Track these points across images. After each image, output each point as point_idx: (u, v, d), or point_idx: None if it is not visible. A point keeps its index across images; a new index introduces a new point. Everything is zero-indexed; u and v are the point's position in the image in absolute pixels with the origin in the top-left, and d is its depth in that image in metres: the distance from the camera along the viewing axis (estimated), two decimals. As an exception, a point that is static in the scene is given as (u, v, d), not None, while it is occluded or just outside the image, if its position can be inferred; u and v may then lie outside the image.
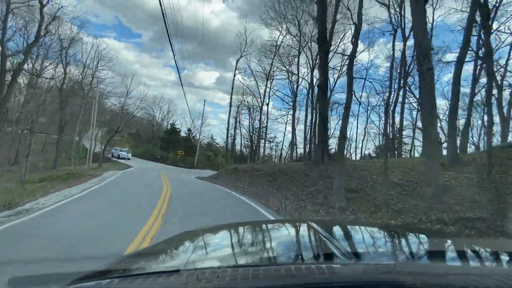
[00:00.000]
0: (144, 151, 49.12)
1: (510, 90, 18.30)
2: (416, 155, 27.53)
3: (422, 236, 1.44)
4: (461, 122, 17.69)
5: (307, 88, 31.92)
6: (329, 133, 24.39)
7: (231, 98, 26.63)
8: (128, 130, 64.28)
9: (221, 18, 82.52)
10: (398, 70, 24.97)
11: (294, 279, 0.67)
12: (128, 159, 36.56)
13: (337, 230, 1.49)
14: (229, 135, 31.55)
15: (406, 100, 25.76)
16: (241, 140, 37.57)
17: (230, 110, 21.95)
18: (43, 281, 0.87)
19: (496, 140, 16.35)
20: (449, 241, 1.39)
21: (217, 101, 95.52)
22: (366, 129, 37.08)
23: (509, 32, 18.65)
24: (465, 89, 18.77)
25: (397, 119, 26.28)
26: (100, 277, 0.80)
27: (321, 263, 0.85)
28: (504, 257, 1.01)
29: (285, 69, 35.11)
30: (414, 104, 26.71)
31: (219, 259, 1.04)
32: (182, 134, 48.07)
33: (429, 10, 21.07)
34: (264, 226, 1.78)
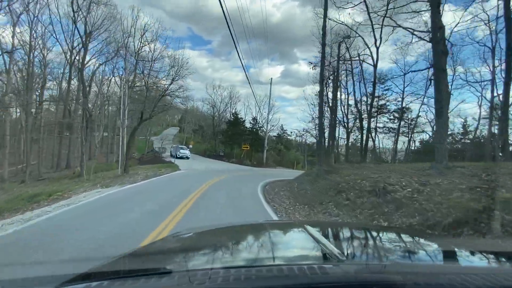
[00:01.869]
0: (208, 148, 43.89)
1: None
2: None
3: (412, 237, 1.47)
4: None
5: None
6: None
7: (322, 52, 15.75)
8: (190, 125, 61.22)
9: (282, 10, 79.11)
10: None
11: (286, 279, 0.68)
12: (187, 157, 30.64)
13: (329, 231, 1.49)
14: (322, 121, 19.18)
15: None
16: (338, 130, 25.49)
17: (322, 76, 12.94)
18: (32, 283, 0.88)
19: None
20: (438, 242, 1.41)
21: (283, 94, 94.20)
22: None
23: None
24: None
25: None
26: (89, 279, 0.79)
27: (313, 263, 0.83)
28: (491, 256, 1.05)
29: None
30: None
31: (211, 260, 1.03)
32: (247, 125, 40.34)
33: None
34: (256, 227, 1.79)
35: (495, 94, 18.93)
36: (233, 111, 39.69)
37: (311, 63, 24.88)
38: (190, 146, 47.22)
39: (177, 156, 29.66)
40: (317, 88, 21.77)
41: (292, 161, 46.62)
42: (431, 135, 25.48)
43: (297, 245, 1.26)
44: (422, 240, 1.36)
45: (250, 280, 0.68)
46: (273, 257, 1.08)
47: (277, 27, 71.73)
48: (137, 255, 1.22)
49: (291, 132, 53.08)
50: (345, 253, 0.93)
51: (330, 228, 1.65)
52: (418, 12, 14.97)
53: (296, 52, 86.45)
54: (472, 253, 1.10)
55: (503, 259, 1.04)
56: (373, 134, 24.16)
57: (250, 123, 38.64)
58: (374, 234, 1.49)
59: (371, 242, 1.33)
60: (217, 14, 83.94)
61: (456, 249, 1.19)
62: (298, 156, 47.46)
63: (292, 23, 71.30)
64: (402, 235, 1.48)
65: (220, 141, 40.14)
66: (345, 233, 1.51)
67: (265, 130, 37.98)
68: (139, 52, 21.02)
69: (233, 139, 37.30)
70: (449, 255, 1.09)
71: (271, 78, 56.12)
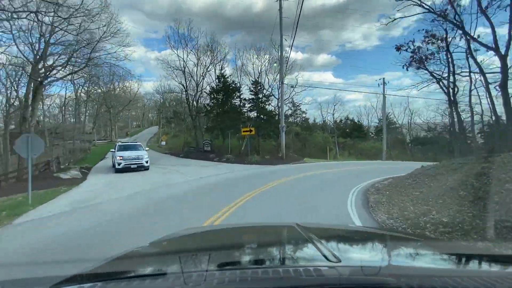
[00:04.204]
0: (188, 141, 27.86)
1: None
2: None
3: (406, 240, 1.48)
4: None
5: None
6: None
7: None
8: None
9: None
10: None
11: (281, 281, 0.68)
12: (143, 167, 13.94)
13: (324, 233, 1.49)
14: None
15: None
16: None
17: None
18: (27, 284, 0.88)
19: None
20: (432, 245, 1.41)
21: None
22: None
23: None
24: None
25: None
26: (83, 280, 0.78)
27: (308, 265, 0.82)
28: (484, 260, 1.04)
29: None
30: None
31: (206, 262, 0.98)
32: (245, 95, 24.11)
33: None
34: (252, 229, 1.81)
35: None
36: (220, 72, 23.14)
37: None
38: (163, 142, 30.17)
39: (117, 166, 13.38)
40: None
41: (319, 148, 31.22)
42: None
43: (293, 247, 1.24)
44: (416, 243, 1.35)
45: (245, 282, 0.68)
46: (268, 259, 1.07)
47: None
48: (132, 256, 1.20)
49: (306, 110, 37.51)
50: (340, 255, 0.89)
51: (325, 230, 1.64)
52: None
53: None
54: (466, 256, 1.09)
55: (497, 262, 1.00)
56: None
57: (251, 90, 22.44)
58: (370, 237, 1.49)
59: (366, 244, 1.31)
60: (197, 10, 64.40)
61: (450, 252, 1.17)
62: (328, 139, 31.72)
63: None
64: (397, 238, 1.51)
65: (204, 129, 23.93)
66: (341, 235, 1.51)
67: (278, 97, 21.97)
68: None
69: (224, 121, 21.17)
70: (443, 258, 1.08)
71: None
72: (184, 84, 24.31)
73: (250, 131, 19.50)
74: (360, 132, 35.68)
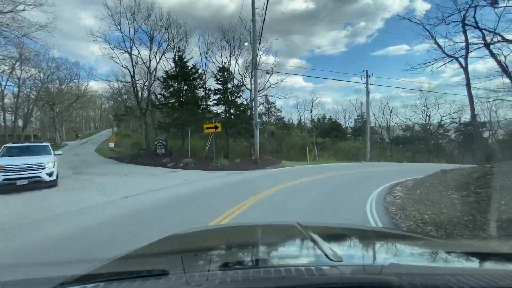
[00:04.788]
0: (139, 142, 22.67)
1: None
2: None
3: (408, 238, 1.49)
4: None
5: None
6: None
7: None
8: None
9: None
10: None
11: (284, 280, 0.68)
12: (41, 181, 8.65)
13: (325, 232, 1.48)
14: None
15: None
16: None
17: None
18: (30, 285, 0.88)
19: None
20: (434, 243, 1.39)
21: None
22: None
23: None
24: None
25: None
26: (85, 280, 0.78)
27: (310, 264, 0.82)
28: (486, 258, 1.03)
29: None
30: None
31: (208, 261, 0.99)
32: (210, 82, 19.76)
33: None
34: (254, 228, 1.79)
35: None
36: (177, 54, 18.31)
37: None
38: (112, 144, 24.61)
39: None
40: None
41: (298, 149, 27.91)
42: None
43: (295, 246, 1.24)
44: (418, 242, 1.36)
45: (247, 282, 0.68)
46: (270, 258, 1.07)
47: None
48: (134, 256, 1.19)
49: (281, 107, 34.46)
50: (342, 255, 0.89)
51: (327, 229, 1.64)
52: None
53: None
54: (468, 254, 1.08)
55: (499, 260, 1.00)
56: None
57: (218, 79, 18.20)
58: (371, 235, 1.48)
59: (368, 243, 1.30)
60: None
61: (452, 251, 1.17)
62: (306, 139, 28.58)
63: None
64: (399, 237, 1.50)
65: (158, 126, 19.06)
66: (343, 234, 1.50)
67: (251, 89, 18.16)
68: None
69: (183, 116, 16.61)
70: (445, 257, 1.07)
71: None
72: (131, 70, 19.29)
73: (215, 127, 15.31)
74: (339, 132, 33.28)
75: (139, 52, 19.73)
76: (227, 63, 19.74)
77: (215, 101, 18.60)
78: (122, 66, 19.92)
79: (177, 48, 18.83)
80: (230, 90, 18.36)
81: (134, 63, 19.09)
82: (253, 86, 16.92)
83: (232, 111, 18.08)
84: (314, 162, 22.08)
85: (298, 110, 34.20)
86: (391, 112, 35.36)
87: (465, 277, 0.68)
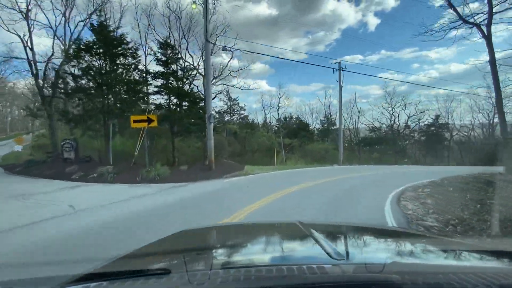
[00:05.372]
0: (52, 142, 16.73)
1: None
2: None
3: (410, 237, 1.48)
4: None
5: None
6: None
7: None
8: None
9: None
10: None
11: (285, 279, 0.68)
12: None
13: (327, 231, 1.47)
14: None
15: None
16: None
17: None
18: (32, 284, 0.89)
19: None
20: (436, 241, 1.39)
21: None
22: None
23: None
24: None
25: None
26: (88, 280, 0.78)
27: (312, 263, 0.80)
28: (489, 256, 1.03)
29: None
30: None
31: (210, 260, 1.00)
32: (147, 59, 14.83)
33: None
34: (256, 227, 1.79)
35: None
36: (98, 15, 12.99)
37: None
38: (18, 147, 18.27)
39: None
40: None
41: (263, 150, 24.26)
42: None
43: (296, 245, 1.24)
44: (420, 240, 1.36)
45: (249, 281, 0.68)
46: (272, 257, 1.06)
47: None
48: (136, 255, 1.19)
49: (244, 105, 31.01)
50: (344, 253, 0.91)
51: (328, 228, 1.64)
52: None
53: None
54: (471, 253, 1.08)
55: (502, 258, 1.00)
56: None
57: (159, 60, 13.48)
58: (373, 234, 1.46)
59: (370, 242, 1.30)
60: None
61: (454, 249, 1.17)
62: (272, 139, 25.13)
63: None
64: (401, 235, 1.50)
65: (62, 115, 13.40)
66: (344, 233, 1.50)
67: (202, 74, 13.93)
68: None
69: (105, 105, 11.55)
70: (448, 255, 1.07)
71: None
72: (25, 39, 13.47)
73: (149, 121, 10.69)
74: (307, 132, 30.64)
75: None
76: (174, 42, 15.21)
77: (156, 89, 13.88)
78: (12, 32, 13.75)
79: (97, 8, 13.59)
80: (177, 74, 13.85)
81: (30, 27, 13.31)
82: (204, 65, 12.67)
83: (178, 101, 13.58)
84: (282, 167, 18.63)
85: (264, 108, 30.65)
86: (359, 113, 34.01)
87: (468, 275, 0.68)
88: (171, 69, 13.93)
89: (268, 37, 49.33)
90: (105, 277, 0.80)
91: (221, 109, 31.49)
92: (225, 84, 20.26)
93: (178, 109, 13.70)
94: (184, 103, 13.63)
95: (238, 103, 30.95)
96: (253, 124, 28.54)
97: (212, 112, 12.01)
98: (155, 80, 13.95)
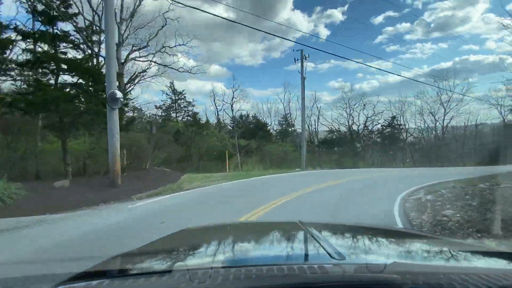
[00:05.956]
0: None
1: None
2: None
3: (411, 237, 1.47)
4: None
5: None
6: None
7: None
8: None
9: None
10: None
11: (286, 279, 0.68)
12: None
13: (328, 230, 1.47)
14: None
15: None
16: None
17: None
18: (33, 282, 0.88)
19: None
20: (437, 242, 1.38)
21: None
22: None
23: None
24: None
25: None
26: (89, 277, 0.77)
27: (313, 263, 0.82)
28: (490, 257, 1.04)
29: None
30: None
31: (211, 259, 1.00)
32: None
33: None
34: (257, 226, 1.85)
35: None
36: None
37: None
38: None
39: None
40: None
41: (215, 153, 19.77)
42: None
43: (298, 244, 1.23)
44: (421, 240, 1.34)
45: (250, 280, 0.68)
46: (273, 256, 1.06)
47: None
48: (138, 254, 1.19)
49: (193, 100, 26.52)
50: (345, 253, 0.89)
51: (330, 228, 1.61)
52: None
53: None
54: (472, 253, 1.07)
55: (503, 259, 0.99)
56: None
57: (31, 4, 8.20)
58: (374, 233, 1.44)
59: (371, 242, 1.28)
60: None
61: (455, 249, 1.15)
62: (225, 140, 20.93)
63: None
64: (402, 235, 1.50)
65: None
66: (345, 232, 1.48)
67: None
68: None
69: None
70: (449, 255, 1.06)
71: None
72: None
73: None
74: (265, 132, 27.32)
75: None
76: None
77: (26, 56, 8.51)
78: None
79: None
80: (58, 34, 8.73)
81: None
82: (104, 11, 7.96)
83: (58, 70, 8.47)
84: (236, 174, 14.61)
85: (215, 103, 26.19)
86: (319, 112, 32.00)
87: (469, 276, 0.68)
88: (59, 28, 8.79)
89: (224, 39, 46.28)
90: (106, 274, 0.80)
91: (164, 103, 26.17)
92: (152, 61, 15.25)
93: (68, 90, 8.61)
94: (73, 76, 8.57)
95: (185, 96, 26.01)
96: (202, 122, 23.83)
97: (116, 92, 7.32)
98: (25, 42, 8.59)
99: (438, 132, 32.58)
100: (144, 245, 1.27)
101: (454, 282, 0.65)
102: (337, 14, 43.36)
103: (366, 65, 44.94)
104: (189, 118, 25.90)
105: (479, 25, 38.14)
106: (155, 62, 15.37)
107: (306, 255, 1.03)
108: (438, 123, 31.79)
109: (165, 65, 14.91)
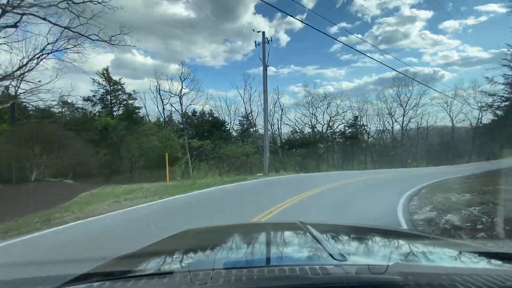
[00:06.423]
0: None
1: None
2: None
3: (413, 238, 1.46)
4: None
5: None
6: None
7: None
8: None
9: None
10: None
11: (288, 280, 0.68)
12: None
13: (329, 231, 1.45)
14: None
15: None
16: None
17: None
18: (34, 283, 0.92)
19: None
20: (439, 243, 1.36)
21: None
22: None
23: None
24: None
25: None
26: (90, 279, 0.78)
27: (314, 264, 0.80)
28: (493, 258, 1.02)
29: None
30: None
31: (212, 260, 0.99)
32: None
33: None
34: (258, 227, 1.82)
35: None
36: None
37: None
38: None
39: None
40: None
41: (156, 156, 15.42)
42: None
43: (299, 245, 1.21)
44: (423, 241, 1.32)
45: (251, 281, 0.68)
46: (274, 257, 1.05)
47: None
48: (139, 255, 1.18)
49: (134, 91, 22.25)
50: (347, 254, 0.88)
51: (330, 228, 1.61)
52: None
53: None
54: (475, 254, 1.06)
55: (506, 260, 0.97)
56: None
57: None
58: (376, 235, 1.43)
59: (372, 243, 1.27)
60: None
61: (458, 250, 1.14)
62: (171, 140, 16.78)
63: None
64: (404, 236, 1.49)
65: None
66: (346, 233, 1.47)
67: None
68: None
69: None
70: (451, 256, 1.06)
71: None
72: None
73: None
74: (223, 131, 23.82)
75: None
76: None
77: None
78: None
79: None
80: None
81: None
82: None
83: None
84: (177, 185, 10.88)
85: (161, 96, 21.72)
86: (281, 110, 29.54)
87: (471, 277, 0.68)
88: None
89: (184, 38, 42.39)
90: (108, 276, 0.80)
91: (95, 94, 20.84)
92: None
93: None
94: None
95: (122, 85, 21.08)
96: (137, 117, 19.09)
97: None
98: None
99: (395, 134, 32.87)
100: (146, 246, 1.24)
101: (457, 283, 0.64)
102: (297, 22, 42.94)
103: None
104: (129, 110, 21.02)
105: (417, 40, 40.85)
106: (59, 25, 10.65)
107: (308, 256, 1.01)
108: (396, 123, 32.06)
109: (67, 27, 10.29)
